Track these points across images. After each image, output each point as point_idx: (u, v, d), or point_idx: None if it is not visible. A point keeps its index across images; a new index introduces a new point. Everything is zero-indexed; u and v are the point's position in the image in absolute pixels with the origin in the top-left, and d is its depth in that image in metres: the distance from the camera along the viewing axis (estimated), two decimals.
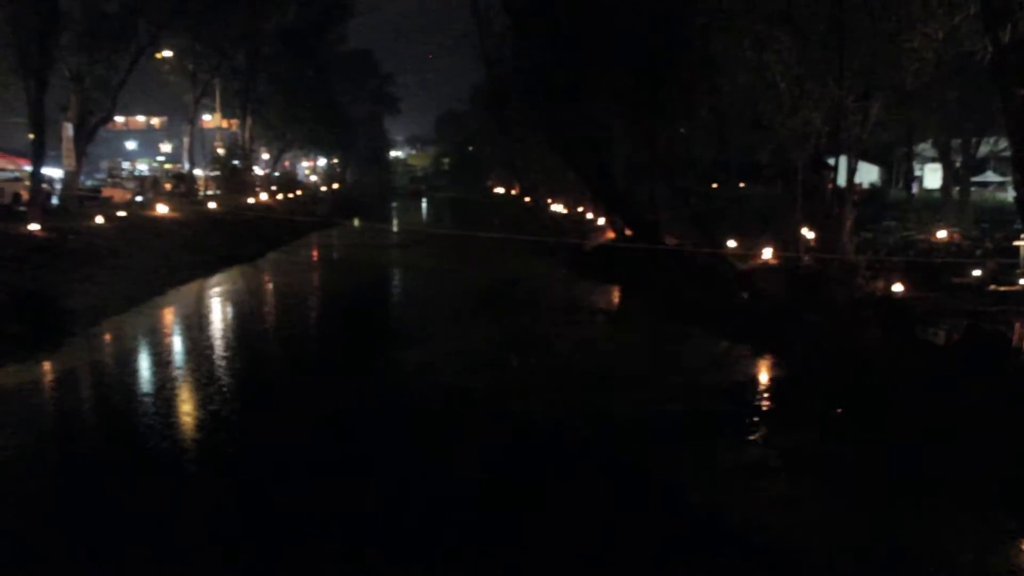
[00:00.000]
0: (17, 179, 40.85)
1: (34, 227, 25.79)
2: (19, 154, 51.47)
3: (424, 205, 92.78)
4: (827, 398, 14.91)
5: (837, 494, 10.80)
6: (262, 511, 10.17)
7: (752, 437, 13.18)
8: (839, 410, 14.23)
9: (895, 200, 42.32)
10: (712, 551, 9.20)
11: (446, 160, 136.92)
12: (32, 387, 15.69)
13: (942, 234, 25.54)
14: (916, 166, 48.84)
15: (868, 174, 50.34)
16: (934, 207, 34.78)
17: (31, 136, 31.29)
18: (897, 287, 17.95)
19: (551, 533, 9.62)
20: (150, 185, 51.74)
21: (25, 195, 33.89)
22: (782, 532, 9.61)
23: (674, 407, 14.58)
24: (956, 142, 37.27)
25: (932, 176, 49.03)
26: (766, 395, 15.91)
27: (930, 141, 40.11)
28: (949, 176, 37.32)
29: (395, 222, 69.63)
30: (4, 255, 22.18)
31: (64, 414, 14.67)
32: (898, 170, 52.29)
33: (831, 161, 22.79)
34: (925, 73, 20.30)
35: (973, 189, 41.32)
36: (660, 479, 11.29)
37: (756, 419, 14.32)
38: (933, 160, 45.45)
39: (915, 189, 46.95)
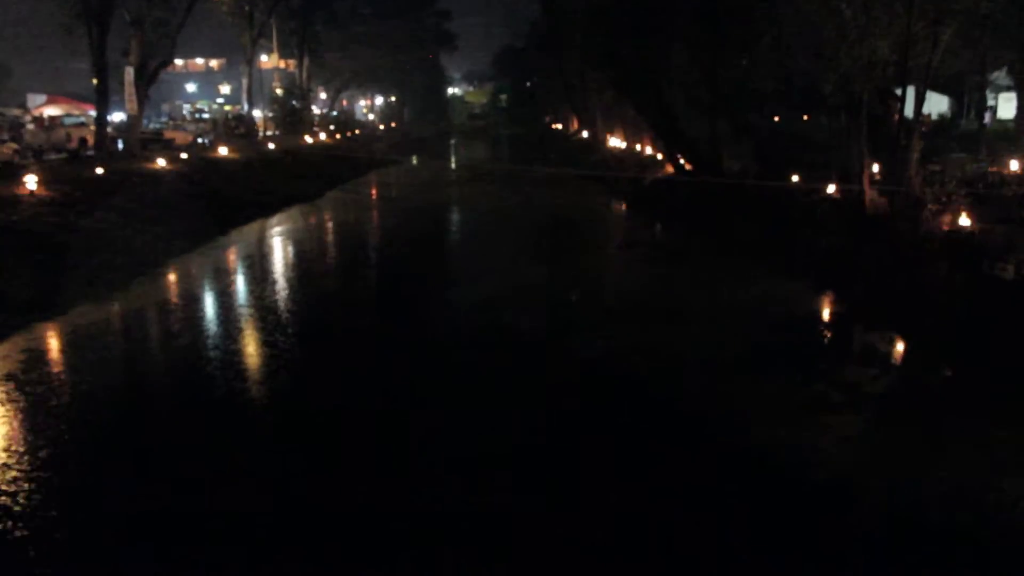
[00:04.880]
0: (83, 124, 41.75)
1: (100, 170, 26.36)
2: (84, 99, 52.53)
3: (482, 142, 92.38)
4: (890, 333, 14.71)
5: (898, 430, 10.69)
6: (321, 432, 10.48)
7: (812, 372, 13.03)
8: (899, 342, 14.04)
9: (966, 131, 40.87)
10: (770, 486, 9.21)
11: (504, 97, 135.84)
12: (104, 325, 16.20)
13: (1015, 166, 24.63)
14: (989, 96, 46.94)
15: (938, 104, 48.55)
16: (1008, 138, 33.52)
17: (95, 81, 31.86)
18: (965, 221, 17.44)
19: (612, 466, 9.73)
20: (211, 127, 52.37)
21: (91, 139, 34.61)
22: (841, 467, 9.57)
23: (733, 343, 14.48)
24: None
25: (1007, 106, 47.05)
26: (827, 331, 15.74)
27: (1005, 69, 38.49)
28: None
29: (453, 159, 69.53)
30: (73, 198, 22.74)
31: (134, 352, 15.12)
32: (970, 100, 50.35)
33: (898, 91, 22.05)
34: None
35: None
36: (718, 413, 11.27)
37: (816, 354, 14.19)
38: (1008, 89, 43.63)
39: (988, 120, 45.23)
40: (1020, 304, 13.75)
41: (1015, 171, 24.23)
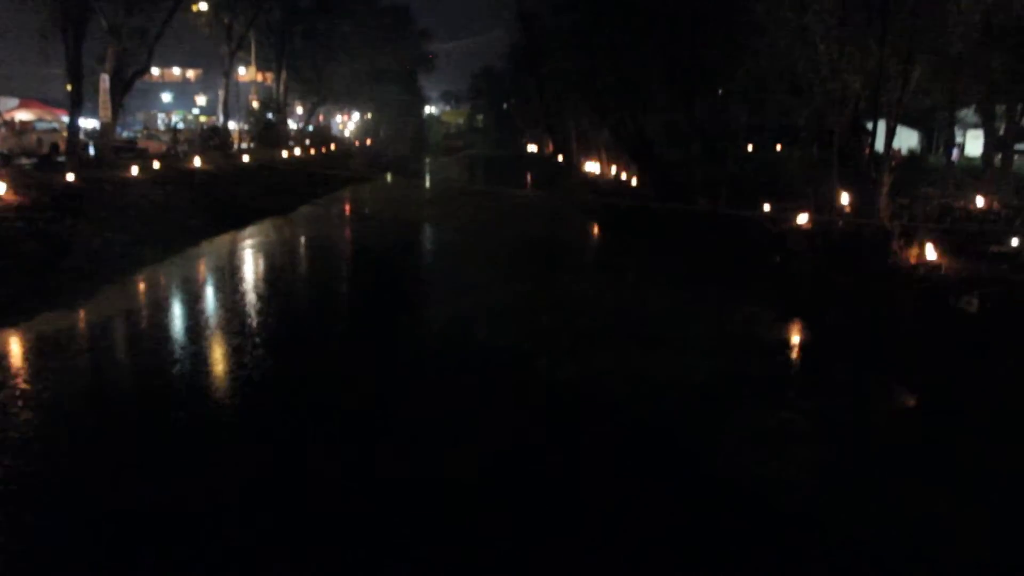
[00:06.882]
0: (55, 130, 41.34)
1: (71, 177, 26.11)
2: (57, 105, 52.03)
3: (457, 162, 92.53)
4: (856, 363, 14.85)
5: (862, 460, 10.78)
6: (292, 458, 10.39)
7: (778, 400, 13.12)
8: (863, 372, 14.18)
9: (934, 167, 41.57)
10: (734, 514, 9.24)
11: (480, 117, 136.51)
12: (69, 335, 15.98)
13: (981, 202, 25.08)
14: (958, 132, 47.80)
15: (908, 140, 49.46)
16: (974, 174, 34.14)
17: (69, 87, 31.57)
18: (931, 254, 17.71)
19: (577, 491, 9.72)
20: (185, 138, 52.05)
21: (63, 145, 34.29)
22: (804, 497, 9.63)
23: (700, 369, 14.54)
24: (1000, 108, 36.42)
25: (974, 143, 48.02)
26: (794, 358, 15.86)
27: (973, 107, 39.24)
28: (991, 143, 36.50)
29: (428, 178, 69.53)
30: (42, 204, 22.51)
31: (98, 361, 14.90)
32: (939, 136, 51.30)
33: (869, 126, 22.41)
34: (971, 37, 19.80)
35: (1016, 157, 40.40)
36: (684, 439, 11.32)
37: (783, 382, 14.28)
38: (976, 126, 44.49)
39: (955, 156, 46.01)
40: (984, 338, 13.97)
41: (981, 206, 24.67)
